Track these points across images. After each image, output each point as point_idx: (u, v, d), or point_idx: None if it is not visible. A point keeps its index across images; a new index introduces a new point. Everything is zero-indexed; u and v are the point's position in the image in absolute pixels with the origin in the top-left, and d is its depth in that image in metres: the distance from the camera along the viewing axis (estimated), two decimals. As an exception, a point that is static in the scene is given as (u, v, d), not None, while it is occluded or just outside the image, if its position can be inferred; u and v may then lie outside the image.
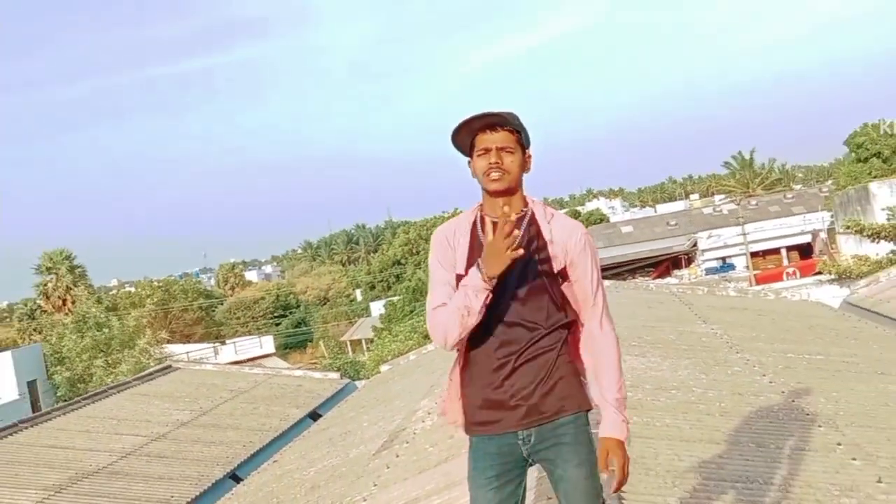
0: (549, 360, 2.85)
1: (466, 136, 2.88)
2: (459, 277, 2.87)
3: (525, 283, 2.84)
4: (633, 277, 50.53)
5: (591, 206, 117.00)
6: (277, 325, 74.22)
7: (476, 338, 2.87)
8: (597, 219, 79.56)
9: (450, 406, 2.99)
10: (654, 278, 51.52)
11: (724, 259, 55.18)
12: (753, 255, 51.82)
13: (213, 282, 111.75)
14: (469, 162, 2.93)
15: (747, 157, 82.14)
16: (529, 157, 2.92)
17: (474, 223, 2.96)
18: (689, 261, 56.78)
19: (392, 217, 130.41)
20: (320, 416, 13.36)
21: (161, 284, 67.39)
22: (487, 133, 2.84)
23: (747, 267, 50.27)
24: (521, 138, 2.88)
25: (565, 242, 2.87)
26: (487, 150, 2.84)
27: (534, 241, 2.86)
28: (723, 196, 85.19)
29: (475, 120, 2.84)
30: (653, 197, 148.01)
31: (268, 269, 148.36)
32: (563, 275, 2.89)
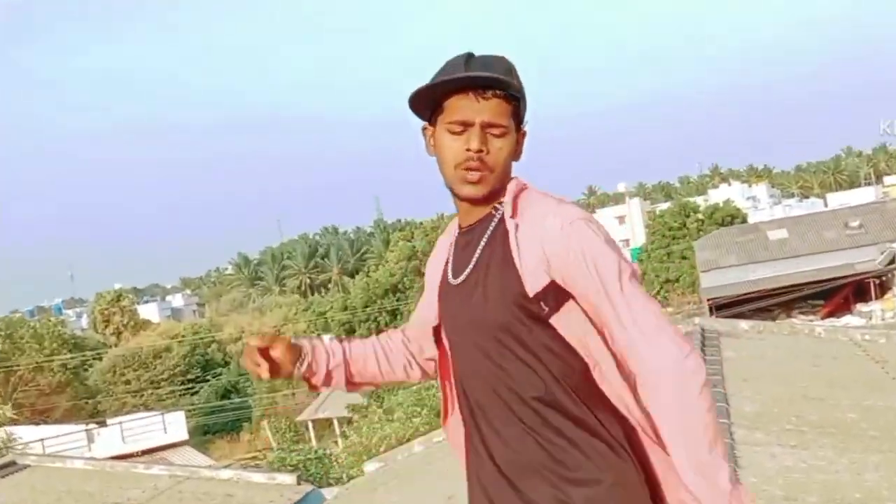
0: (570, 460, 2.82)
1: (429, 96, 2.87)
2: (434, 331, 3.13)
3: (491, 337, 2.87)
4: (790, 315, 50.50)
5: (717, 195, 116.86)
6: (193, 394, 74.47)
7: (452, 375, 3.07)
8: (727, 217, 79.52)
9: None
10: (826, 317, 51.48)
11: (942, 285, 55.06)
12: None
13: (85, 322, 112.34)
14: (425, 128, 2.95)
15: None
16: (524, 135, 2.94)
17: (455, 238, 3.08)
18: (884, 288, 56.62)
19: (383, 216, 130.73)
20: (264, 546, 13.39)
21: (0, 326, 67.75)
22: (469, 96, 2.82)
23: (983, 299, 50.11)
24: (519, 108, 2.88)
25: (539, 246, 2.80)
26: (466, 126, 2.83)
27: (489, 265, 2.89)
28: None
29: (450, 80, 2.82)
30: (821, 181, 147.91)
31: (176, 300, 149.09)
32: (556, 296, 2.81)
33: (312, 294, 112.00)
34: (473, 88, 2.78)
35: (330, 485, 21.18)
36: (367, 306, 72.61)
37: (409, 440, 18.79)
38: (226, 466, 23.06)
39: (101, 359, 78.43)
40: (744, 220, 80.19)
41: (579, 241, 2.75)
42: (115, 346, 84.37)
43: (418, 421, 31.71)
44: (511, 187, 2.86)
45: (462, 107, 2.80)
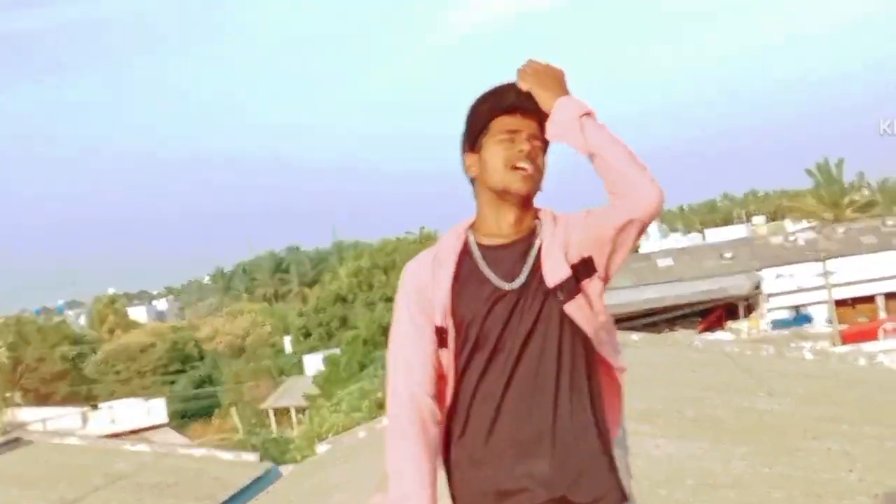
0: (578, 426, 2.87)
1: (484, 113, 2.87)
2: (439, 331, 2.85)
3: (538, 310, 2.83)
4: (673, 329, 50.72)
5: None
6: (172, 383, 73.78)
7: (474, 393, 2.85)
8: (623, 247, 79.86)
9: None
10: (702, 331, 51.72)
11: (798, 308, 55.44)
12: (839, 303, 52.10)
13: (83, 321, 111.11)
14: (468, 153, 2.91)
15: (833, 167, 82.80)
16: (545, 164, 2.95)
17: (462, 251, 2.91)
18: (750, 309, 56.99)
19: (338, 237, 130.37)
20: (230, 513, 13.27)
21: (9, 323, 66.88)
22: (516, 116, 2.84)
23: (830, 320, 50.54)
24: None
25: (564, 239, 2.84)
26: (514, 133, 2.83)
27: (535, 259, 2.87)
28: (799, 221, 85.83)
29: (507, 94, 2.85)
30: (701, 219, 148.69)
31: (161, 304, 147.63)
32: (584, 270, 2.84)
33: (276, 301, 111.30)
34: (522, 110, 2.82)
35: (287, 463, 21.00)
36: (319, 312, 72.08)
37: (354, 427, 18.68)
38: (199, 445, 22.84)
39: (95, 352, 77.52)
40: (637, 251, 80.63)
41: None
42: (108, 341, 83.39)
43: (360, 414, 31.57)
44: (547, 210, 2.92)
45: (510, 122, 2.83)
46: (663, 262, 62.26)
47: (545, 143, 2.88)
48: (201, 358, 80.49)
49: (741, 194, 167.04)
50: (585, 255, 2.80)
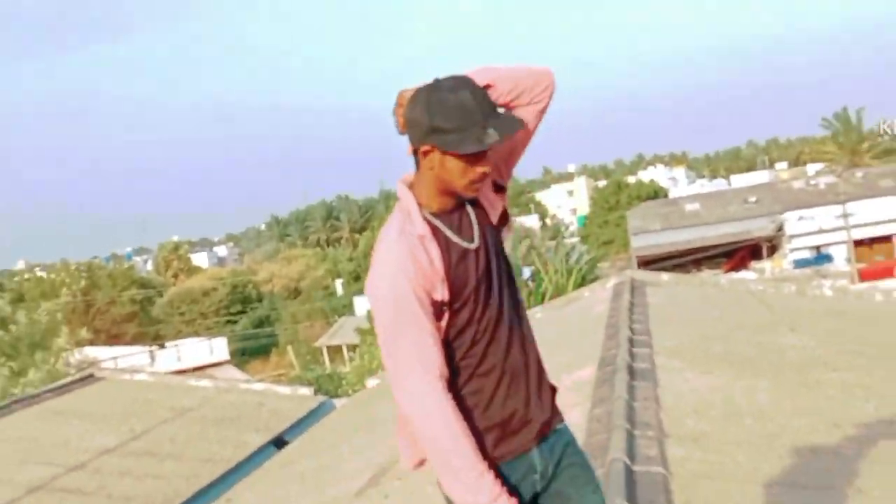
0: (538, 356, 3.08)
1: (475, 142, 2.77)
2: (438, 304, 2.84)
3: (497, 259, 2.99)
4: (699, 270, 50.56)
5: (645, 175, 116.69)
6: (234, 324, 74.40)
7: (488, 345, 2.94)
8: (651, 192, 79.46)
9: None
10: (727, 272, 51.55)
11: (818, 248, 55.12)
12: (857, 243, 51.76)
13: (150, 266, 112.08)
14: (433, 144, 2.80)
15: (853, 115, 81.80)
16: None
17: (427, 223, 2.91)
18: (773, 250, 56.70)
19: (385, 186, 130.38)
20: (287, 443, 13.38)
21: (83, 269, 67.52)
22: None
23: (849, 259, 50.22)
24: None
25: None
26: (485, 157, 2.82)
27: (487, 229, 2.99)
28: (819, 166, 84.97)
29: (510, 123, 2.84)
30: (726, 165, 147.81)
31: (222, 250, 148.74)
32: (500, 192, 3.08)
33: (328, 247, 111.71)
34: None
35: (340, 397, 21.14)
36: (366, 257, 72.37)
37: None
38: (258, 381, 23.01)
39: (161, 295, 78.25)
40: (666, 196, 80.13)
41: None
42: (174, 285, 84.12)
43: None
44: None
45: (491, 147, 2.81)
46: (690, 207, 61.89)
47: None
48: (259, 300, 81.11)
49: (764, 142, 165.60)
50: (496, 179, 3.04)
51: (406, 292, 2.78)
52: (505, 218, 3.04)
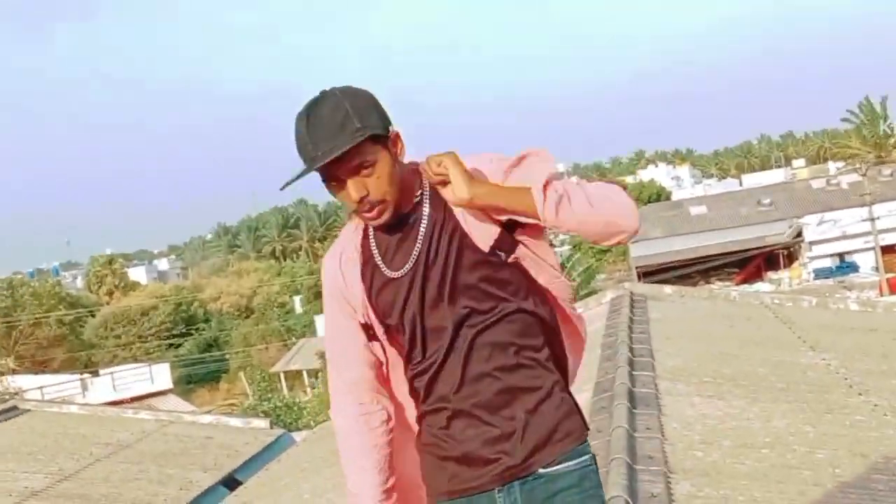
0: (536, 381, 2.93)
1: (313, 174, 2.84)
2: (364, 327, 2.99)
3: (456, 273, 2.89)
4: (709, 282, 50.77)
5: (644, 175, 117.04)
6: (177, 347, 74.18)
7: (424, 361, 2.97)
8: (653, 195, 79.74)
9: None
10: (739, 283, 51.75)
11: (842, 256, 55.44)
12: (885, 249, 51.98)
13: (80, 283, 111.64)
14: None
15: (878, 106, 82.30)
16: (397, 137, 2.91)
17: (363, 237, 3.00)
18: (791, 258, 56.99)
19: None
20: (240, 483, 13.36)
21: (3, 286, 67.19)
22: (331, 166, 2.80)
23: (876, 268, 50.45)
24: (379, 134, 2.84)
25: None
26: (341, 183, 2.83)
27: (446, 222, 2.90)
28: (841, 163, 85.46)
29: (303, 151, 2.81)
30: (737, 163, 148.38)
31: (162, 264, 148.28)
32: (510, 242, 2.93)
33: (285, 259, 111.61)
34: (328, 169, 2.80)
35: (299, 429, 21.14)
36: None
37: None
38: (206, 412, 23.00)
39: (94, 316, 78.01)
40: (668, 198, 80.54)
41: (508, 162, 2.88)
42: (107, 304, 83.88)
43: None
44: (421, 181, 2.92)
45: (329, 173, 2.81)
46: (696, 210, 62.08)
47: (376, 149, 2.82)
48: (206, 320, 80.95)
49: (779, 136, 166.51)
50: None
51: (325, 301, 3.08)
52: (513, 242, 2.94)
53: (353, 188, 2.80)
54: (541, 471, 2.87)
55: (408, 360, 2.96)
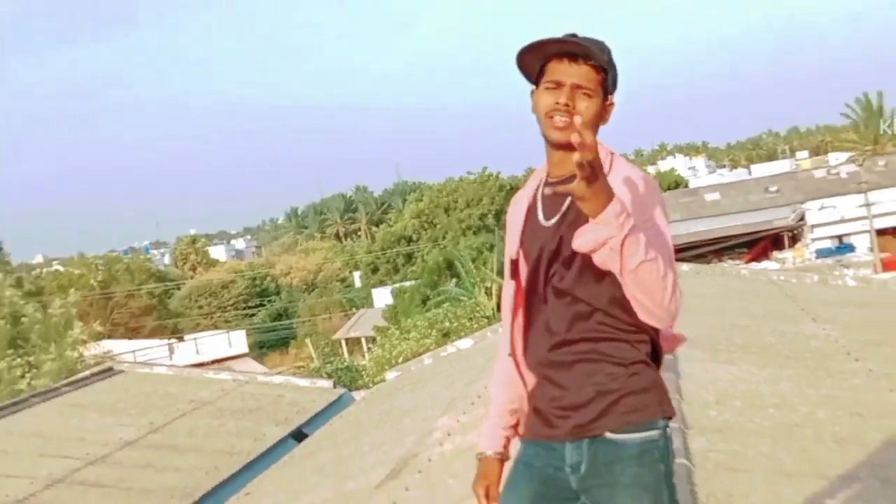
0: (617, 354, 2.86)
1: (535, 59, 2.86)
2: (513, 263, 3.00)
3: (572, 266, 2.84)
4: (721, 260, 50.39)
5: (664, 165, 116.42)
6: (252, 317, 74.55)
7: (527, 314, 2.98)
8: (672, 182, 79.23)
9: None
10: (749, 262, 51.34)
11: (840, 238, 54.87)
12: (881, 232, 51.48)
13: (167, 260, 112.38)
14: (533, 91, 2.91)
15: (874, 101, 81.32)
16: (612, 104, 2.90)
17: (538, 187, 3.00)
18: (795, 239, 56.47)
19: (402, 178, 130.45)
20: (306, 436, 13.40)
21: (100, 262, 67.75)
22: (564, 62, 2.81)
23: (872, 249, 49.96)
24: (607, 79, 2.85)
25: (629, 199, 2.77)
26: (559, 85, 2.81)
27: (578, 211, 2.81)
28: (840, 154, 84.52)
29: (551, 43, 2.80)
30: (747, 155, 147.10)
31: (239, 243, 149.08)
32: None
33: (346, 240, 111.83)
34: (569, 55, 2.79)
35: (359, 389, 21.18)
36: (385, 250, 72.48)
37: (421, 354, 18.76)
38: (277, 373, 23.07)
39: (179, 289, 78.50)
40: (686, 186, 79.92)
41: (652, 196, 2.78)
42: (191, 278, 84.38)
43: (429, 341, 31.66)
44: (601, 150, 2.70)
45: (558, 70, 2.80)
46: (711, 197, 61.68)
47: (599, 84, 2.82)
48: (277, 293, 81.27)
49: (784, 130, 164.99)
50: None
51: (508, 219, 3.11)
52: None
53: (565, 93, 2.80)
54: (608, 435, 2.80)
55: (524, 308, 2.97)
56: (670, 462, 2.86)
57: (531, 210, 2.96)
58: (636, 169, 2.85)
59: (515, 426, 3.11)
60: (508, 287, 3.03)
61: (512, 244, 3.00)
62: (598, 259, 2.63)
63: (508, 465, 3.10)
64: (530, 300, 2.93)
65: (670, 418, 2.88)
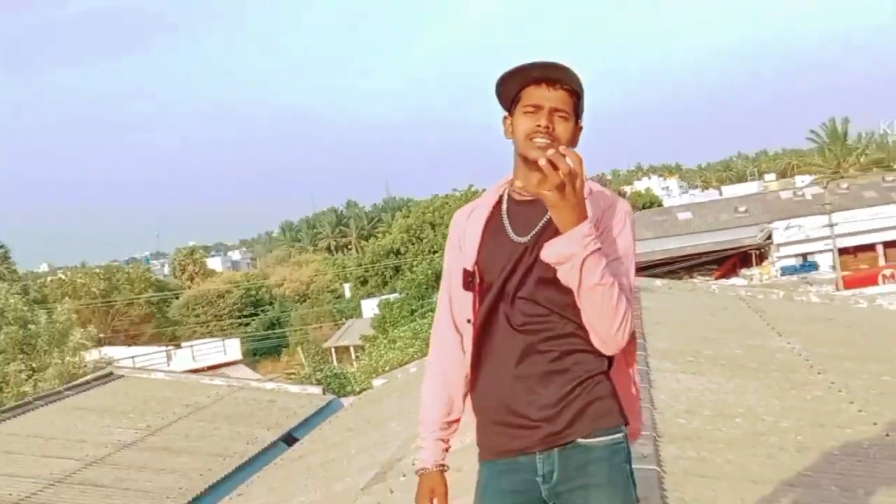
0: (583, 365, 2.81)
1: (515, 84, 2.85)
2: (465, 274, 2.91)
3: (541, 284, 2.80)
4: (691, 276, 50.48)
5: (640, 185, 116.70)
6: (246, 325, 74.35)
7: (491, 326, 2.88)
8: (647, 202, 79.43)
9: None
10: (718, 278, 51.43)
11: (805, 256, 55.03)
12: (842, 251, 51.68)
13: (166, 270, 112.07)
14: (505, 117, 2.90)
15: (839, 127, 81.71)
16: (580, 129, 2.89)
17: (498, 201, 2.94)
18: (762, 257, 56.64)
19: (391, 194, 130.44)
20: (297, 439, 13.39)
21: (102, 272, 67.53)
22: (543, 88, 2.80)
23: (834, 267, 50.13)
24: (579, 104, 2.85)
25: (604, 221, 2.81)
26: (537, 108, 2.80)
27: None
28: (806, 177, 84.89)
29: (532, 69, 2.80)
30: (717, 176, 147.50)
31: (235, 255, 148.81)
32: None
33: (337, 252, 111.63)
34: (547, 80, 2.78)
35: (347, 396, 21.14)
36: (374, 262, 72.43)
37: (406, 363, 18.75)
38: (269, 380, 23.05)
39: (177, 298, 78.24)
40: (660, 205, 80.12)
41: (629, 226, 2.82)
42: (189, 288, 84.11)
43: (412, 350, 31.64)
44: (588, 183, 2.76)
45: (536, 94, 2.79)
46: (683, 216, 61.90)
47: (573, 108, 2.83)
48: (271, 303, 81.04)
49: (753, 154, 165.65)
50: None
51: (446, 248, 3.05)
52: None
53: (545, 116, 2.79)
54: (579, 441, 2.78)
55: (486, 321, 2.87)
56: (632, 463, 2.88)
57: (492, 225, 2.90)
58: (622, 201, 2.86)
59: (451, 436, 3.09)
60: (460, 298, 2.94)
61: (468, 256, 2.91)
62: (560, 274, 2.64)
63: (467, 487, 3.04)
64: (492, 314, 2.86)
65: (627, 424, 2.87)
